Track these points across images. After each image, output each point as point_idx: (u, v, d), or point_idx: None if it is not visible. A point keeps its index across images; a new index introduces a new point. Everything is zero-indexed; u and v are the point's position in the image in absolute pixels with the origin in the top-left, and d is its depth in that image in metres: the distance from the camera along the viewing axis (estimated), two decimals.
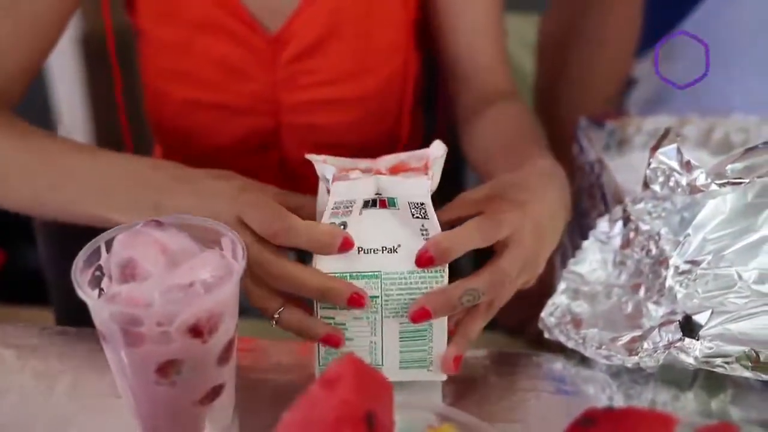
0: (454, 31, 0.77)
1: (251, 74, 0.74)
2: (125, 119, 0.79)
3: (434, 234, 0.49)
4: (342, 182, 0.50)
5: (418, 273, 0.49)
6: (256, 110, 0.76)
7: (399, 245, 0.49)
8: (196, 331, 0.43)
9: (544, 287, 0.62)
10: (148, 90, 0.80)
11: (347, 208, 0.49)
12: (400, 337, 0.50)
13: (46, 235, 0.69)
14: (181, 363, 0.44)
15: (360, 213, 0.49)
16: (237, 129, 0.77)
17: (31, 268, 0.79)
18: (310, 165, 0.54)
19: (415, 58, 0.81)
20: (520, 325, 0.81)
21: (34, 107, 2.10)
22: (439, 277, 0.49)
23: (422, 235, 0.49)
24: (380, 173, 0.53)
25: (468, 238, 0.48)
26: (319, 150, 0.74)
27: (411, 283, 0.49)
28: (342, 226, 0.49)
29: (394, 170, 0.54)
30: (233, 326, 0.47)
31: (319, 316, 0.51)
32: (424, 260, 0.48)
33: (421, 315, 0.48)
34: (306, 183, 0.79)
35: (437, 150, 0.53)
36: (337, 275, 0.49)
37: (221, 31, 0.72)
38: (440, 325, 0.51)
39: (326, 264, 0.49)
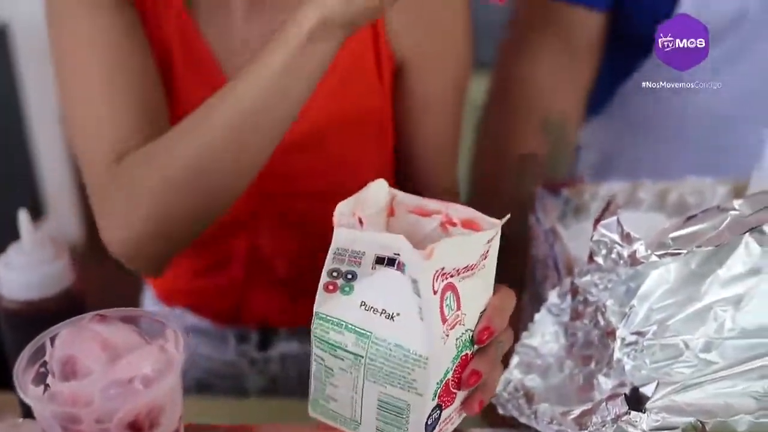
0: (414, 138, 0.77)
1: None
2: None
3: (427, 314, 0.46)
4: (345, 229, 0.48)
5: (403, 350, 0.47)
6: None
7: (398, 314, 0.47)
8: (135, 427, 0.44)
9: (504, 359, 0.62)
10: None
11: (355, 257, 0.48)
12: (378, 405, 0.49)
13: (10, 322, 0.69)
14: None
15: (373, 267, 0.48)
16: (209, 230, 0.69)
17: None
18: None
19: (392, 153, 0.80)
20: None
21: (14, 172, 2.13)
22: (422, 364, 0.47)
23: (418, 312, 0.46)
24: (452, 222, 0.52)
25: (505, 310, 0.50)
26: (294, 229, 0.72)
27: (395, 357, 0.47)
28: (350, 275, 0.48)
29: (466, 224, 0.51)
30: (176, 418, 0.47)
31: (313, 354, 0.50)
32: (487, 335, 0.48)
33: (473, 378, 0.48)
34: (277, 268, 0.79)
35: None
36: (332, 318, 0.49)
37: None
38: (419, 411, 0.48)
39: (327, 307, 0.49)
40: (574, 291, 0.60)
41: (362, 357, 0.48)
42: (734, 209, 0.58)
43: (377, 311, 0.47)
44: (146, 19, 0.69)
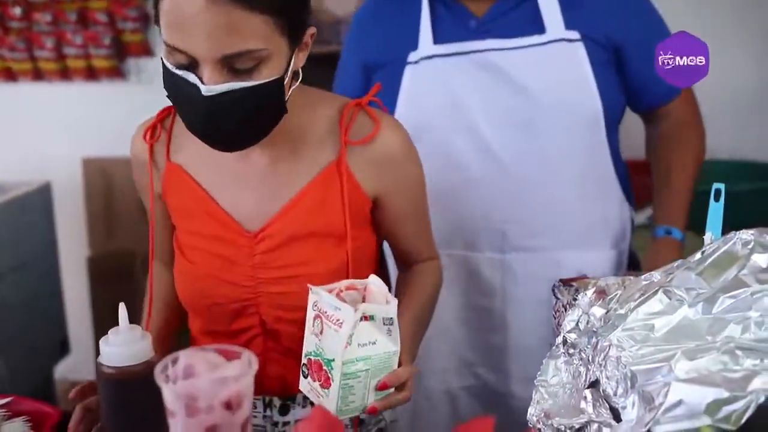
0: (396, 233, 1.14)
1: (237, 261, 1.05)
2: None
3: (395, 333, 0.90)
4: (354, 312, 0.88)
5: (388, 352, 0.90)
6: (240, 285, 1.04)
7: (376, 340, 0.89)
8: (228, 406, 0.72)
9: None
10: (175, 272, 1.12)
11: (355, 324, 0.87)
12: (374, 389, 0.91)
13: (105, 384, 0.89)
14: (219, 428, 0.73)
15: (358, 325, 0.87)
16: (228, 309, 1.06)
17: None
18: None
19: (373, 237, 1.12)
20: None
21: (48, 310, 2.49)
22: (396, 353, 0.91)
23: (389, 333, 0.89)
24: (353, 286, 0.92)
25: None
26: (291, 312, 1.03)
27: (384, 358, 0.90)
28: (353, 333, 0.87)
29: (350, 287, 0.92)
30: (250, 407, 0.75)
31: (338, 388, 0.88)
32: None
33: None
34: (283, 338, 1.07)
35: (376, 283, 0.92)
36: (353, 359, 0.87)
37: (214, 237, 1.05)
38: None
39: (348, 353, 0.86)
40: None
41: (369, 369, 0.89)
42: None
43: (366, 344, 0.88)
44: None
